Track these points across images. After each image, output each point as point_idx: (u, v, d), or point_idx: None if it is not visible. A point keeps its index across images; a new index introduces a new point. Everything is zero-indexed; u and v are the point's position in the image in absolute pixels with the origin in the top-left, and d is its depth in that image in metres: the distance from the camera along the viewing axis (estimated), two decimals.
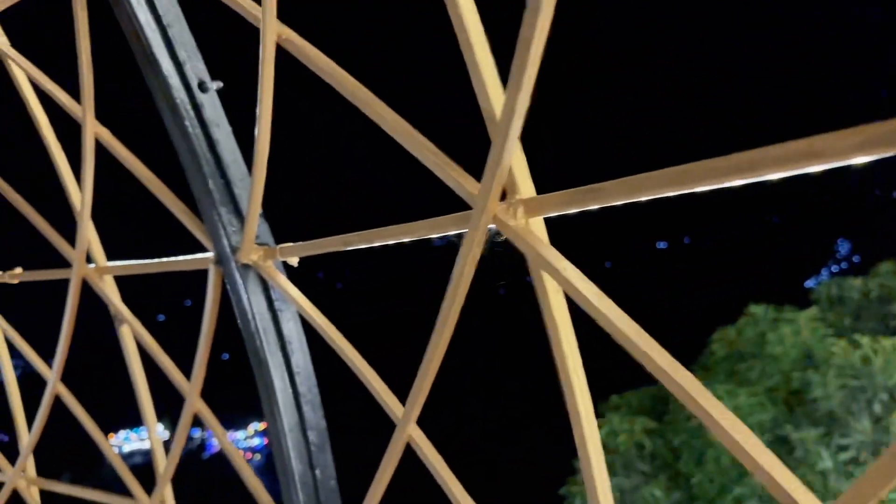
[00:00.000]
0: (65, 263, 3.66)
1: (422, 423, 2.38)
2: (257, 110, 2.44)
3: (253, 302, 2.86)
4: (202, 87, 2.72)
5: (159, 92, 2.70)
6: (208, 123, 2.74)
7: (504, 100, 1.58)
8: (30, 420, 4.47)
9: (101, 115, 3.30)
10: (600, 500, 1.81)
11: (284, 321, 2.92)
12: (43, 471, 4.54)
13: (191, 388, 3.28)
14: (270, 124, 2.47)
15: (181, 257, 3.12)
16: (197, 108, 2.72)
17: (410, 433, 2.36)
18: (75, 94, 3.34)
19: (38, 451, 4.48)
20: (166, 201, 3.03)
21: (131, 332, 3.67)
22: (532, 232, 1.73)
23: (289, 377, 2.93)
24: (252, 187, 2.61)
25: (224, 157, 2.78)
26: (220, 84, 2.77)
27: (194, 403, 3.30)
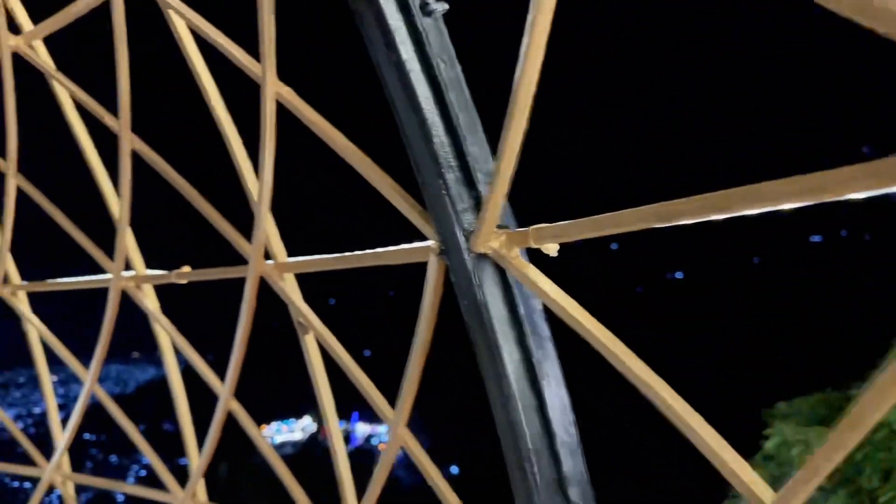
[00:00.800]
0: (239, 260, 3.05)
1: None
2: (524, 39, 1.63)
3: (491, 307, 2.07)
4: (425, 8, 1.95)
5: (369, 17, 1.95)
6: (432, 58, 1.97)
7: None
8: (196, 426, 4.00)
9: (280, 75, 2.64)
10: None
11: (532, 335, 2.11)
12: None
13: (396, 418, 2.55)
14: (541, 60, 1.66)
15: (387, 248, 2.39)
16: (418, 37, 1.96)
17: None
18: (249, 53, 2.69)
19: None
20: (370, 175, 2.29)
21: (316, 341, 3.00)
22: None
23: (539, 412, 2.12)
24: (503, 149, 1.81)
25: (453, 106, 2.00)
26: (447, 6, 2.00)
27: (401, 435, 2.57)
